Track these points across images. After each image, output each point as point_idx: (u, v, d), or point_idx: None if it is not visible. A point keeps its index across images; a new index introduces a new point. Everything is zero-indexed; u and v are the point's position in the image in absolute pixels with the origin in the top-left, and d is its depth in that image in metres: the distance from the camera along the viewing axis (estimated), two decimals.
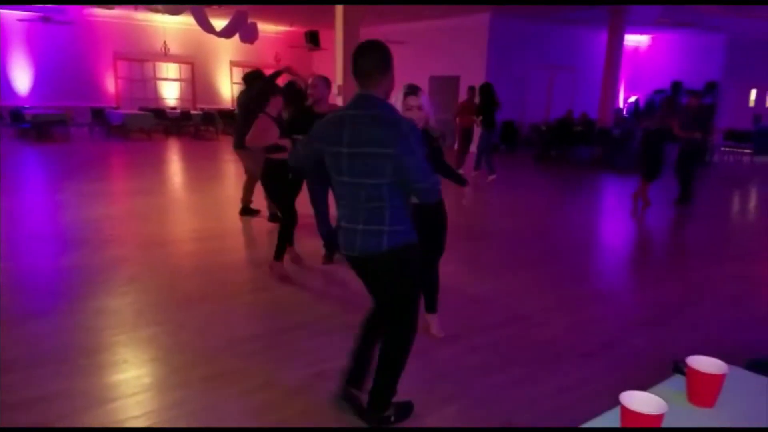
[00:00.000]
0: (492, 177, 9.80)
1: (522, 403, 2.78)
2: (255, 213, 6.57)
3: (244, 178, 6.67)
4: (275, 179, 4.54)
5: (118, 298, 4.07)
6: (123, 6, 13.38)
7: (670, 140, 7.67)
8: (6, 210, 6.42)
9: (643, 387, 1.35)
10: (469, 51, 13.95)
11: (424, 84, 15.17)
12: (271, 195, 4.93)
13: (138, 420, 2.58)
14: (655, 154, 7.54)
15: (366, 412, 2.48)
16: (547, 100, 15.60)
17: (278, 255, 4.51)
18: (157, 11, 10.75)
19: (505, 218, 7.34)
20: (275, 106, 4.65)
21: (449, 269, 5.07)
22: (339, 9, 9.06)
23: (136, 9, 13.57)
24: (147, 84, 17.17)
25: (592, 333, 3.65)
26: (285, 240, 4.55)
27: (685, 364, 1.38)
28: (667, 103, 8.17)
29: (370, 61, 2.18)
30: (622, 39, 13.48)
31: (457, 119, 10.56)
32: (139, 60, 16.75)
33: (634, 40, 17.33)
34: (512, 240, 6.12)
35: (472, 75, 13.36)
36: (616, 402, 1.23)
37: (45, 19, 13.25)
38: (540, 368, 3.14)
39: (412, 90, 2.94)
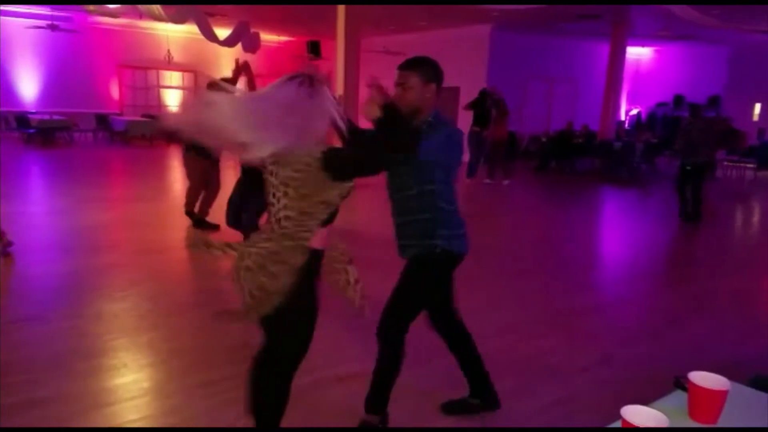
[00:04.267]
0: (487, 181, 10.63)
1: (518, 414, 2.76)
2: (214, 227, 6.05)
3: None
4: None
5: (117, 303, 4.06)
6: (128, 15, 13.48)
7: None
8: (9, 214, 6.41)
9: (642, 401, 1.34)
10: (469, 62, 13.98)
11: None
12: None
13: (135, 424, 2.58)
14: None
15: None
16: (547, 111, 15.64)
17: None
18: (161, 20, 10.81)
19: (500, 229, 7.33)
20: None
21: None
22: (341, 19, 9.10)
23: (140, 17, 13.66)
24: (150, 91, 17.24)
25: (589, 346, 3.62)
26: None
27: (687, 380, 1.36)
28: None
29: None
30: (624, 52, 13.52)
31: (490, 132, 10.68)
32: (143, 68, 16.82)
33: (636, 52, 17.41)
34: (508, 250, 6.10)
35: (472, 86, 13.40)
36: (613, 417, 1.22)
37: (52, 27, 13.35)
38: (535, 381, 3.11)
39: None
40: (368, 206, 6.90)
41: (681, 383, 1.44)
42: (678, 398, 1.43)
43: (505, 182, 10.63)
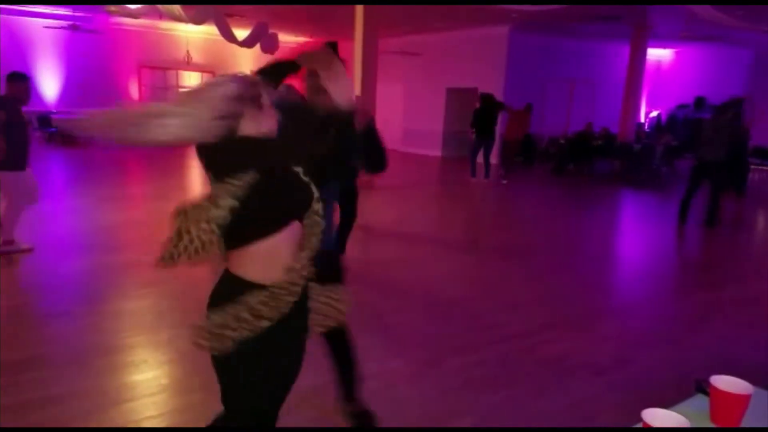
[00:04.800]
0: (475, 180, 10.61)
1: (533, 417, 2.74)
2: None
3: None
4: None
5: (136, 301, 4.11)
6: (148, 16, 13.67)
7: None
8: (30, 212, 6.53)
9: (660, 405, 1.32)
10: (487, 63, 13.93)
11: (440, 95, 15.15)
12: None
13: (154, 420, 2.61)
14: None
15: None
16: (566, 113, 15.51)
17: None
18: (181, 21, 10.95)
19: (516, 231, 7.28)
20: None
21: (456, 282, 5.04)
22: (359, 20, 9.13)
23: (160, 18, 13.84)
24: (169, 91, 17.44)
25: (605, 349, 3.59)
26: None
27: (709, 384, 1.35)
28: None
29: None
30: (644, 53, 13.35)
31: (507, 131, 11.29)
32: (162, 68, 17.03)
33: (656, 53, 17.18)
34: (523, 253, 6.06)
35: (490, 87, 13.34)
36: (630, 420, 1.21)
37: (73, 27, 13.58)
38: (551, 384, 3.09)
39: None
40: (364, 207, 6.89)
41: (702, 387, 1.43)
42: (699, 402, 1.41)
43: (504, 181, 10.86)
